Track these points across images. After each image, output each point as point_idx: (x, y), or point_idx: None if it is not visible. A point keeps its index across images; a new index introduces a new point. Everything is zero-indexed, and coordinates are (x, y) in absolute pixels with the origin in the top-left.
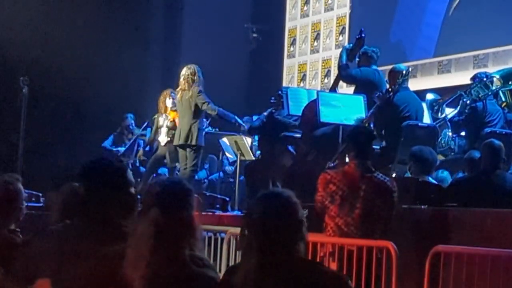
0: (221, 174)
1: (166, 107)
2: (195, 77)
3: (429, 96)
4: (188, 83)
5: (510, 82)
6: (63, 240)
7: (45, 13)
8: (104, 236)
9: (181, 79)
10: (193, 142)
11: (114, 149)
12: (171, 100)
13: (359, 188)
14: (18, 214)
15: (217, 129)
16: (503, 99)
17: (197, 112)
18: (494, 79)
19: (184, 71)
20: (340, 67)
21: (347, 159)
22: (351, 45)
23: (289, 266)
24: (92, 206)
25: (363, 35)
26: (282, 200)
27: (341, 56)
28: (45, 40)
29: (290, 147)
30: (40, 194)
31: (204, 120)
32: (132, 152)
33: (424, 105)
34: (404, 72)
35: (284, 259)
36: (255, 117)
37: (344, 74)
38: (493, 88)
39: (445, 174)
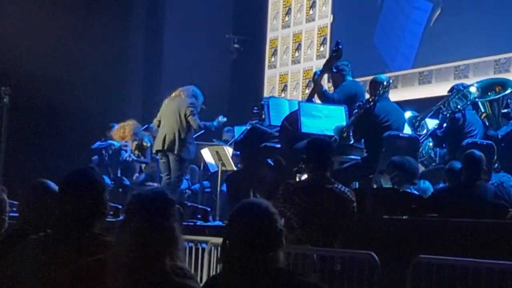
0: (203, 184)
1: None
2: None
3: (408, 114)
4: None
5: (489, 93)
6: (42, 250)
7: (27, 25)
8: (83, 246)
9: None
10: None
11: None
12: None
13: (322, 200)
14: (1, 225)
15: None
16: (483, 110)
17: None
18: (471, 88)
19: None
20: (321, 95)
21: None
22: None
23: (271, 277)
24: (71, 217)
25: (340, 46)
26: (261, 210)
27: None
28: (26, 51)
29: (269, 160)
30: None
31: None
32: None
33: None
34: (385, 83)
35: (265, 269)
36: (237, 128)
37: (324, 101)
38: (471, 97)
39: (426, 184)
